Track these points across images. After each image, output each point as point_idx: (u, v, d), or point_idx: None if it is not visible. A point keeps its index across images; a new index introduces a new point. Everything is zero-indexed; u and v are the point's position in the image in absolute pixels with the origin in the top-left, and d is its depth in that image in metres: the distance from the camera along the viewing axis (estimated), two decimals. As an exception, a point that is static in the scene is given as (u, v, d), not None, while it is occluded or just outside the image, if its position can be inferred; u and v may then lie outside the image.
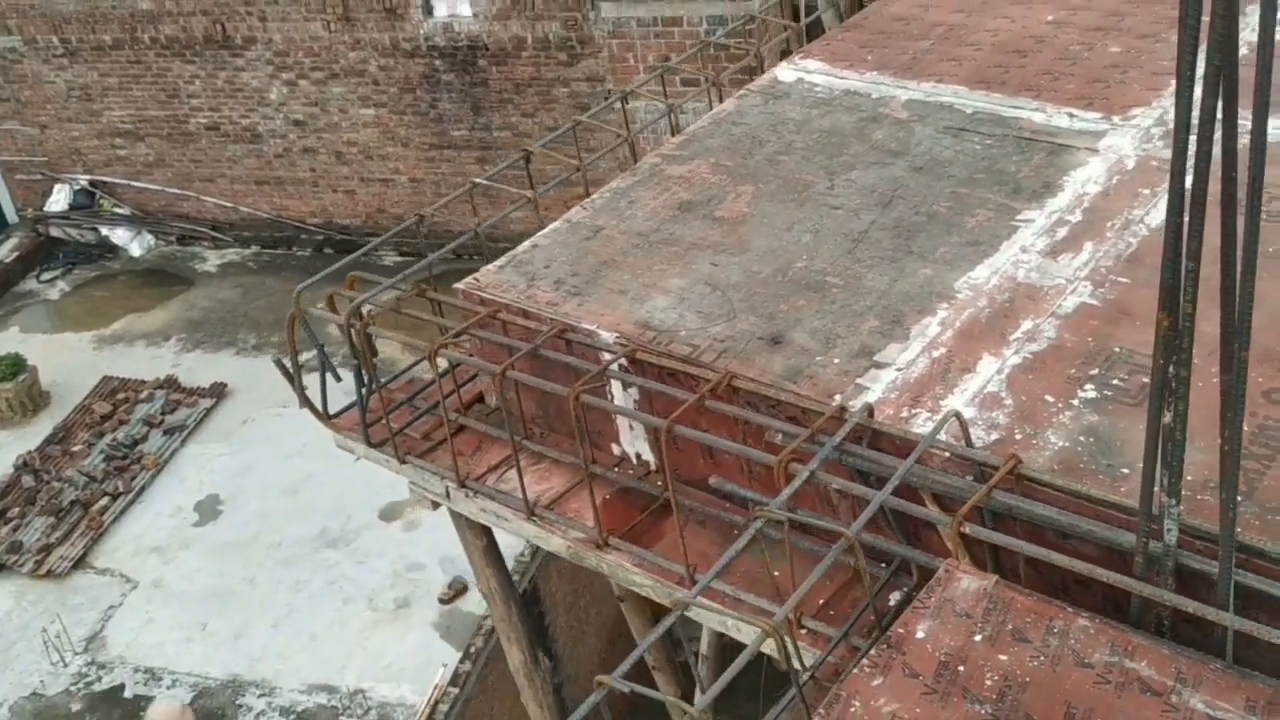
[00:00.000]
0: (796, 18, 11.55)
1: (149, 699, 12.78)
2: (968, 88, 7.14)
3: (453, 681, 11.75)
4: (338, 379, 6.22)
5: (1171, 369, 4.00)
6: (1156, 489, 4.26)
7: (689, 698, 8.11)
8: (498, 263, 6.29)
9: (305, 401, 6.27)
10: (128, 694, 12.93)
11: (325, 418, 6.39)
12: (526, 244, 6.41)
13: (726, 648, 6.93)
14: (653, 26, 17.58)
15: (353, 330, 5.92)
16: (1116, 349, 5.24)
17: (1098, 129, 6.65)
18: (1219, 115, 3.56)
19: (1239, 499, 4.56)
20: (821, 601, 5.31)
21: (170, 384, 16.93)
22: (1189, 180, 3.63)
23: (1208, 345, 4.09)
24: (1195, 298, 3.80)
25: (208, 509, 15.41)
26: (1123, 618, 4.57)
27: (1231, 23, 3.40)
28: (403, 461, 6.23)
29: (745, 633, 5.10)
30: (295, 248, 19.55)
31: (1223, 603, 4.23)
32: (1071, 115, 6.73)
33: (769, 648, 4.41)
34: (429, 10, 18.04)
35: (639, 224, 6.42)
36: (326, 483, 14.68)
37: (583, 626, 14.56)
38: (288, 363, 6.24)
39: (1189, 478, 4.59)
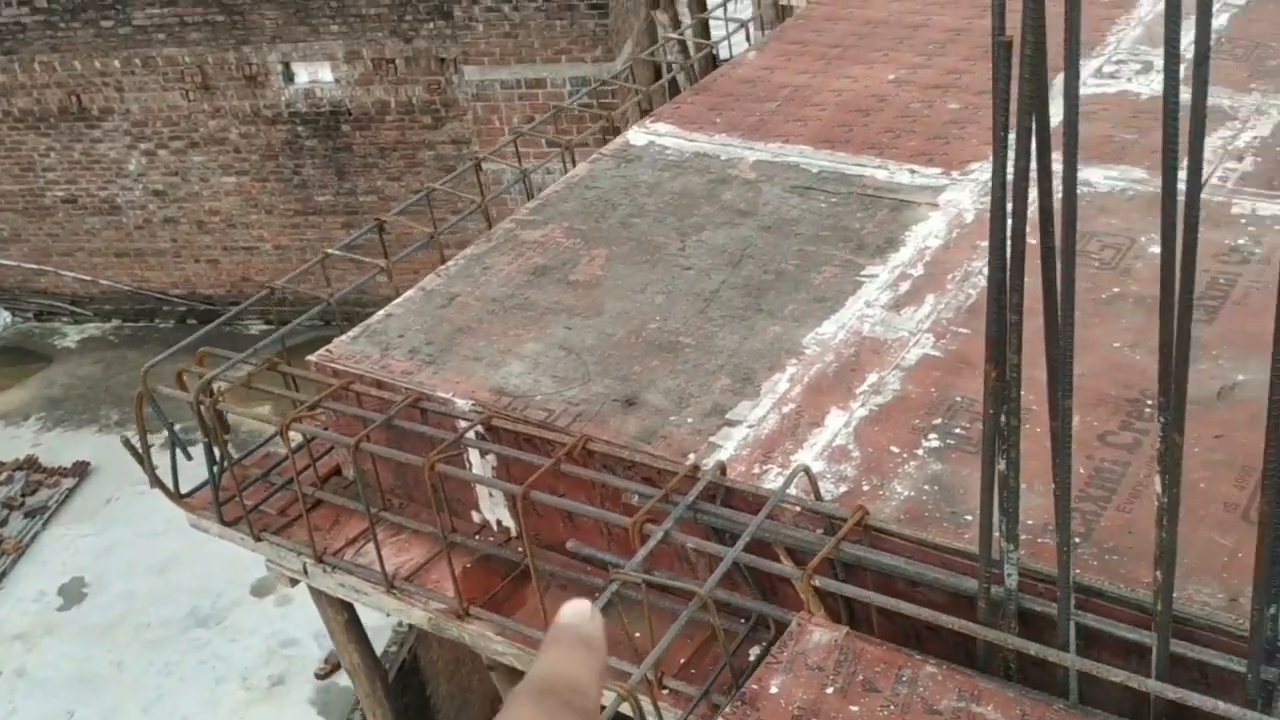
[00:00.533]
0: (657, 79, 11.73)
1: (11, 797, 12.39)
2: (813, 147, 7.30)
3: (332, 760, 11.53)
4: (188, 457, 6.12)
5: (1003, 418, 4.12)
6: (996, 534, 4.36)
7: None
8: (351, 333, 6.26)
9: (156, 481, 6.15)
10: (-9, 791, 12.54)
11: (177, 497, 6.28)
12: (380, 313, 6.40)
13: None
14: (516, 89, 17.70)
15: (201, 408, 5.84)
16: (958, 398, 5.37)
17: (938, 184, 6.84)
18: (1033, 172, 3.70)
19: (1076, 540, 4.71)
20: (683, 660, 5.33)
21: (30, 464, 16.52)
22: (1009, 235, 3.76)
23: (1043, 391, 4.22)
24: (1020, 348, 3.93)
25: (72, 592, 15.03)
26: (974, 663, 4.67)
27: (1040, 84, 3.54)
28: (258, 539, 6.13)
29: (611, 699, 5.09)
30: (158, 319, 19.24)
31: (1063, 644, 4.34)
32: (913, 171, 6.91)
33: (629, 710, 4.42)
34: (290, 77, 17.98)
35: (494, 290, 6.45)
36: (195, 560, 14.44)
37: (465, 695, 14.39)
38: (136, 442, 6.13)
39: (1030, 521, 4.71)
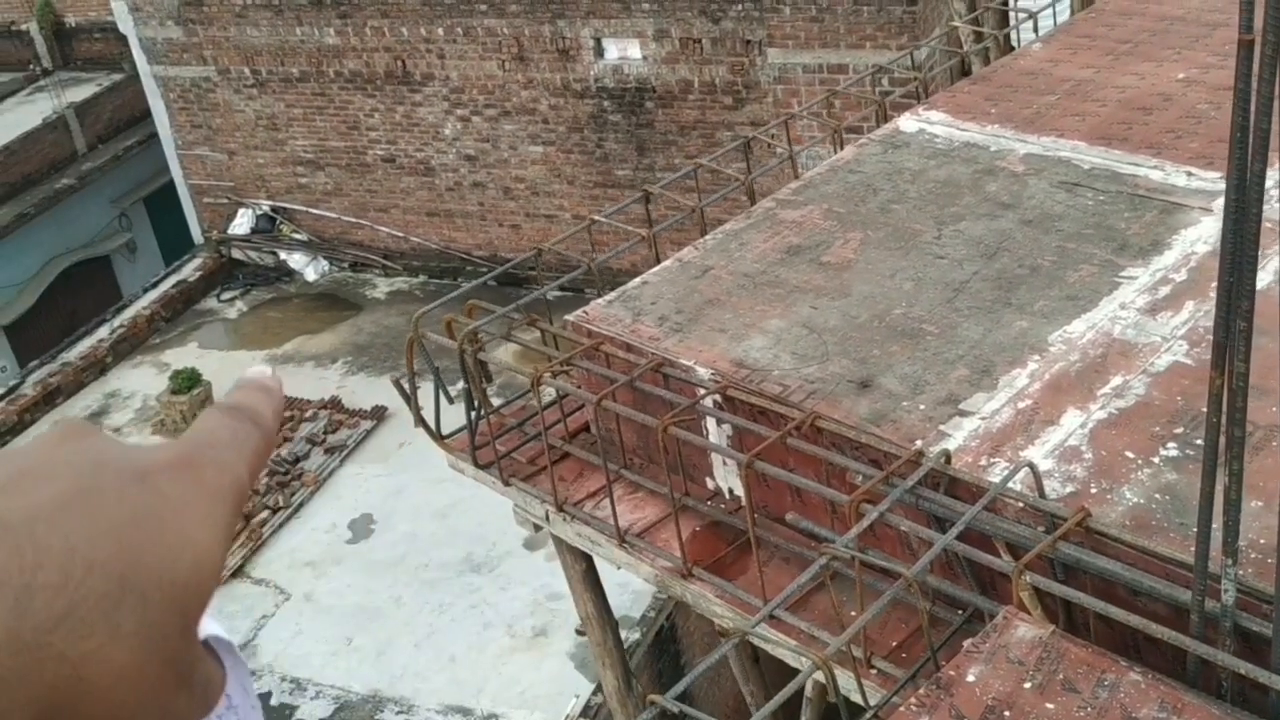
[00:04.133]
0: (966, 72, 11.56)
1: (294, 708, 13.28)
2: (1088, 143, 7.13)
3: (583, 712, 11.88)
4: (450, 401, 6.51)
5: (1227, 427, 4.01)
6: (1219, 550, 4.25)
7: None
8: (608, 297, 6.52)
9: (420, 421, 6.57)
10: (274, 702, 13.43)
11: (438, 438, 6.69)
12: (637, 280, 6.63)
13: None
14: (818, 73, 17.72)
15: (465, 355, 6.21)
16: (1205, 409, 5.20)
17: (1215, 188, 6.58)
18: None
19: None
20: (894, 644, 5.38)
21: (334, 405, 17.58)
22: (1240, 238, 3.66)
23: None
24: (1248, 356, 3.82)
25: (361, 527, 15.93)
26: (1187, 679, 4.55)
27: None
28: (506, 484, 6.49)
29: (805, 665, 5.20)
30: (461, 279, 20.18)
31: (1277, 666, 4.19)
32: (1190, 174, 6.68)
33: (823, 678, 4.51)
34: (600, 52, 18.50)
35: (746, 265, 6.59)
36: (474, 509, 15.09)
37: (719, 668, 14.61)
38: (406, 385, 6.56)
39: (1264, 541, 4.55)
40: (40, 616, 0.70)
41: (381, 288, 20.38)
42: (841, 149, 7.57)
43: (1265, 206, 3.69)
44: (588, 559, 6.97)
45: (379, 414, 17.38)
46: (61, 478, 0.77)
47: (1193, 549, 4.64)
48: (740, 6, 17.77)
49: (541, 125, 19.11)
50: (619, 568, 6.34)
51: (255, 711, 0.84)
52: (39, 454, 0.80)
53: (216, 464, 0.81)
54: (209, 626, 0.80)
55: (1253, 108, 3.50)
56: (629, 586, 12.59)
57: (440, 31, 18.63)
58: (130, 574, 0.73)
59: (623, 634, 10.58)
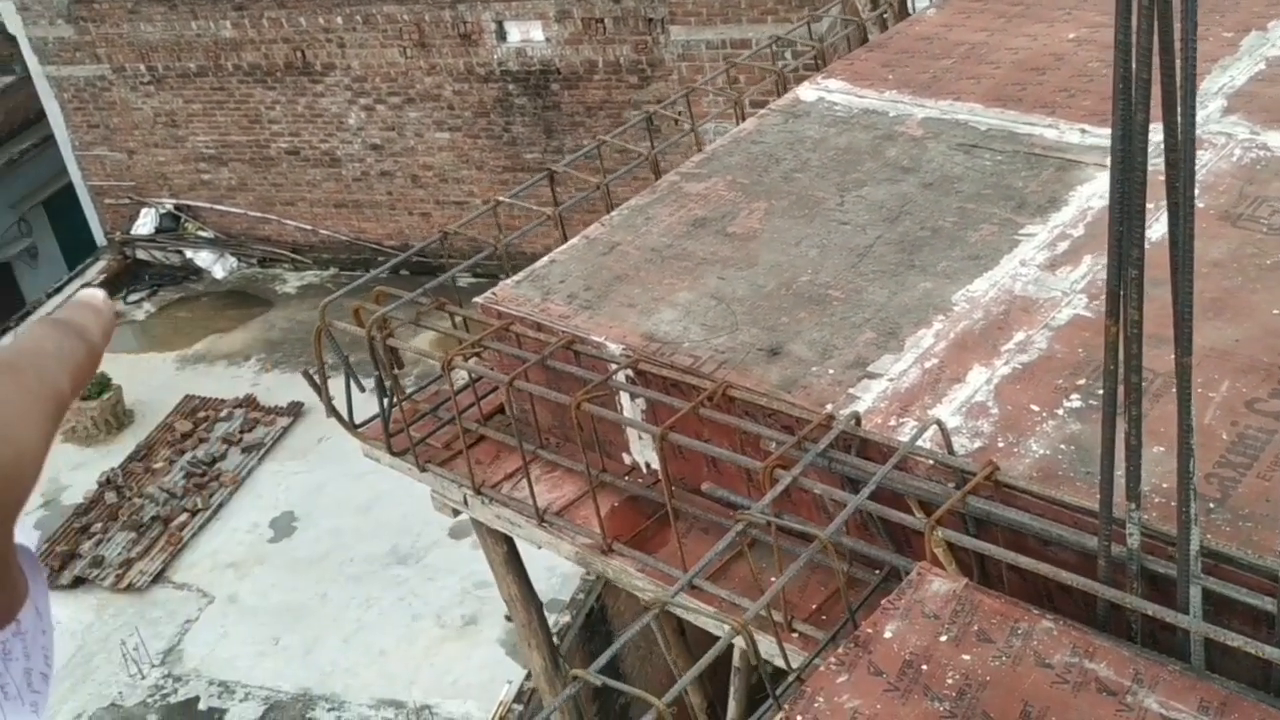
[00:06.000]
0: (864, 40, 11.65)
1: (223, 711, 13.15)
2: (984, 105, 7.23)
3: (517, 698, 11.88)
4: (361, 389, 6.47)
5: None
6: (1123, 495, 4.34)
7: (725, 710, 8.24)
8: (516, 277, 6.51)
9: (331, 411, 6.53)
10: (202, 706, 13.30)
11: (351, 427, 6.65)
12: (545, 259, 6.63)
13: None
14: (721, 49, 17.77)
15: (374, 342, 6.17)
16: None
17: (1108, 144, 6.70)
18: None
19: (1211, 505, 4.63)
20: (814, 607, 5.44)
21: (249, 403, 17.40)
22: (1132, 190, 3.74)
23: (1201, 354, 4.15)
24: (1140, 304, 3.90)
25: (283, 525, 15.78)
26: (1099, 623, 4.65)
27: (1165, 39, 3.51)
28: (423, 469, 6.47)
29: (726, 631, 5.24)
30: (372, 269, 20.02)
31: (1182, 606, 4.29)
32: (1084, 131, 6.80)
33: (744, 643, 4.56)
34: (502, 36, 18.40)
35: (653, 240, 6.61)
36: (397, 501, 15.05)
37: (651, 645, 14.67)
38: (315, 375, 6.51)
39: (1166, 485, 4.65)
40: None
41: (292, 282, 20.17)
42: (744, 121, 7.62)
43: (1150, 157, 3.77)
44: (509, 541, 6.97)
45: (295, 410, 17.22)
46: None
47: (1098, 497, 4.74)
48: (642, -16, 17.76)
49: (447, 111, 18.99)
50: (539, 547, 6.35)
51: (45, 635, 0.84)
52: None
53: (38, 370, 0.83)
54: (20, 535, 0.81)
55: (1133, 60, 3.57)
56: (557, 570, 12.60)
57: (339, 20, 18.43)
58: None
59: (553, 617, 10.60)
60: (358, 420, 6.79)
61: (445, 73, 18.68)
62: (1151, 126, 3.65)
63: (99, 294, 0.96)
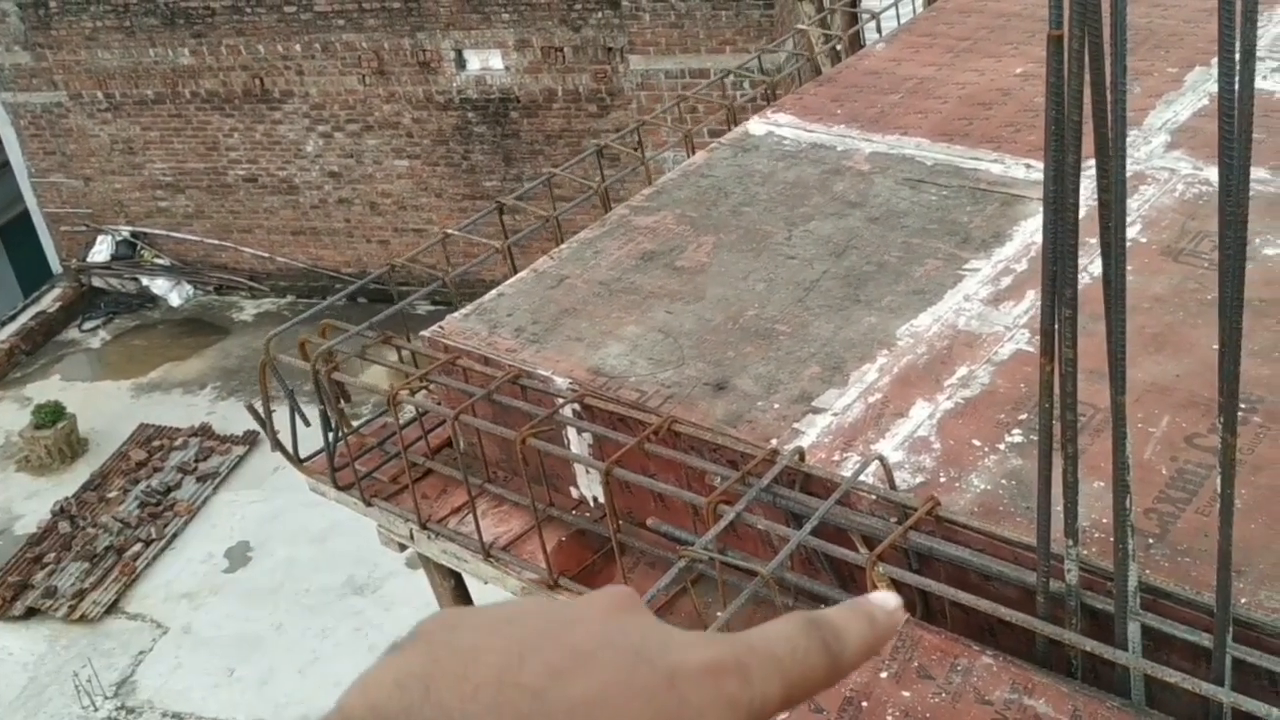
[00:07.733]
0: (818, 73, 11.73)
1: (174, 744, 13.04)
2: (930, 140, 7.28)
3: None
4: (306, 423, 6.44)
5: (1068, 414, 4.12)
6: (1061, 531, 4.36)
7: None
8: (464, 310, 6.50)
9: (276, 445, 6.49)
10: (154, 739, 13.17)
11: (296, 461, 6.61)
12: (493, 293, 6.62)
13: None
14: (680, 79, 17.87)
15: (319, 375, 6.14)
16: (1046, 394, 5.34)
17: (1053, 179, 6.76)
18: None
19: (1150, 541, 4.66)
20: (760, 642, 5.43)
21: (205, 431, 17.31)
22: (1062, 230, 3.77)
23: (1142, 389, 4.18)
24: (1075, 342, 3.92)
25: (238, 555, 15.69)
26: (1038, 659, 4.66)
27: (1096, 78, 3.55)
28: (369, 504, 6.43)
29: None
30: (329, 296, 19.97)
31: (1120, 642, 4.31)
32: (1028, 166, 6.85)
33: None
34: (462, 64, 18.44)
35: (602, 273, 6.62)
36: (353, 531, 14.90)
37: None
38: (259, 408, 6.47)
39: (1105, 520, 4.67)
40: None
41: (249, 310, 20.09)
42: (694, 154, 7.64)
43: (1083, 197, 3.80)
44: (456, 576, 6.93)
45: (251, 439, 17.14)
46: (605, 668, 0.78)
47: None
48: (600, 14, 17.84)
49: (406, 139, 19.00)
50: (485, 582, 6.31)
51: None
52: (589, 627, 0.81)
53: (746, 676, 0.79)
54: None
55: (1065, 101, 3.61)
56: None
57: (298, 48, 18.42)
58: None
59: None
60: (304, 454, 6.75)
61: (404, 100, 18.69)
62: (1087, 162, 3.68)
63: (891, 602, 0.91)
